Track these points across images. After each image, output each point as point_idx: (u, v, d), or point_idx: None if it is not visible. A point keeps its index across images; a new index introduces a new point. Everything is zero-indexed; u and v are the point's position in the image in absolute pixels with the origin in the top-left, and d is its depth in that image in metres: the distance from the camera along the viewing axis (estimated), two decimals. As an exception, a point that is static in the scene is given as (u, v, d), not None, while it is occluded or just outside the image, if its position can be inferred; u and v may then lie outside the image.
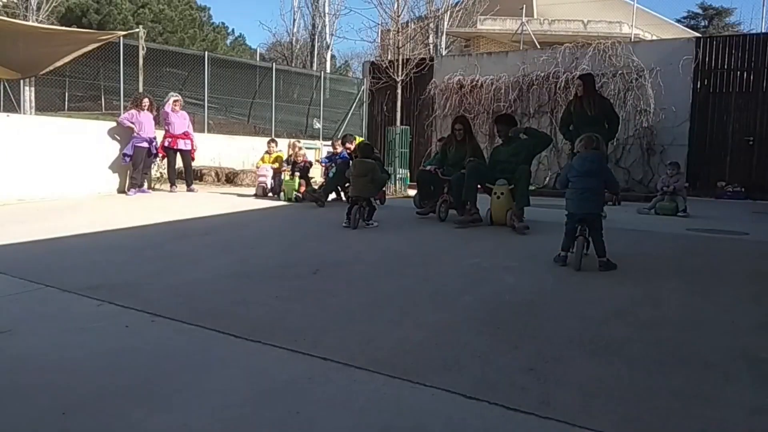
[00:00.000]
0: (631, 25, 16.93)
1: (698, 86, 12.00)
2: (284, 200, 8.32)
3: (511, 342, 3.01)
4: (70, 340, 3.01)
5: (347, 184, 7.78)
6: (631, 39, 15.00)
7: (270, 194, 8.85)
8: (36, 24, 11.34)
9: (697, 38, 13.14)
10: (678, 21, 32.24)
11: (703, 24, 37.97)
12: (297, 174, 8.34)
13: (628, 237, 5.53)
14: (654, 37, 18.21)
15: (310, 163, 8.65)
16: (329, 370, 2.66)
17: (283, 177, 8.69)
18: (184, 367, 2.70)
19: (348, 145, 8.33)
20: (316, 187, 8.36)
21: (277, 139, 10.33)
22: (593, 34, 17.09)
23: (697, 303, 3.76)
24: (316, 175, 9.12)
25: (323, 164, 9.02)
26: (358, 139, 8.28)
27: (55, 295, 3.76)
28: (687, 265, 4.70)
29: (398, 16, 13.82)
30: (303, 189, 8.25)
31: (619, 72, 12.50)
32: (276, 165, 9.02)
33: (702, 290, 4.02)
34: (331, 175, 8.16)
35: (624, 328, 3.22)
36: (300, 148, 8.65)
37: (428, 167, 6.87)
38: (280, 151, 9.30)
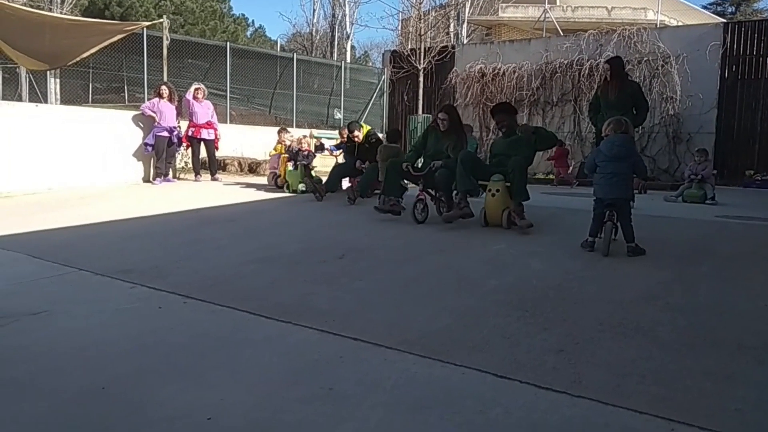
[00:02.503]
0: (657, 12, 16.62)
1: (726, 73, 11.76)
2: (290, 192, 8.00)
3: (540, 324, 3.01)
4: (106, 321, 3.09)
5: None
6: (656, 25, 14.74)
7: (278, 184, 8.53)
8: (62, 15, 11.50)
9: (725, 23, 12.88)
10: (704, 7, 31.63)
11: (729, 10, 37.18)
12: (303, 164, 7.94)
13: (656, 223, 5.46)
14: (680, 23, 17.88)
15: (314, 153, 8.20)
16: (359, 349, 2.69)
17: (280, 167, 8.40)
18: (217, 346, 2.75)
19: (357, 133, 7.61)
20: (322, 179, 7.86)
21: (288, 128, 10.16)
22: (617, 21, 16.82)
23: (728, 288, 3.71)
24: (321, 164, 8.84)
25: (333, 152, 8.83)
26: (365, 128, 7.77)
27: (88, 278, 3.85)
28: (717, 250, 4.64)
29: (420, 3, 13.74)
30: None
31: (645, 59, 12.30)
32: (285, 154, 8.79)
33: (733, 275, 3.97)
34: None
35: (654, 312, 3.20)
36: (304, 136, 8.43)
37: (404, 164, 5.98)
38: (292, 138, 9.13)
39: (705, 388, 2.32)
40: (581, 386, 2.31)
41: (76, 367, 2.49)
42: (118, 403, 2.17)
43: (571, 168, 12.70)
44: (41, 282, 3.77)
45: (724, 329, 2.97)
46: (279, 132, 9.17)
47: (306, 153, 8.10)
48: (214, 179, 9.43)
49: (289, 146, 8.44)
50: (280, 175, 8.49)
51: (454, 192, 5.63)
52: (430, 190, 5.81)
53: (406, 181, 6.11)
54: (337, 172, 7.63)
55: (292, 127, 13.11)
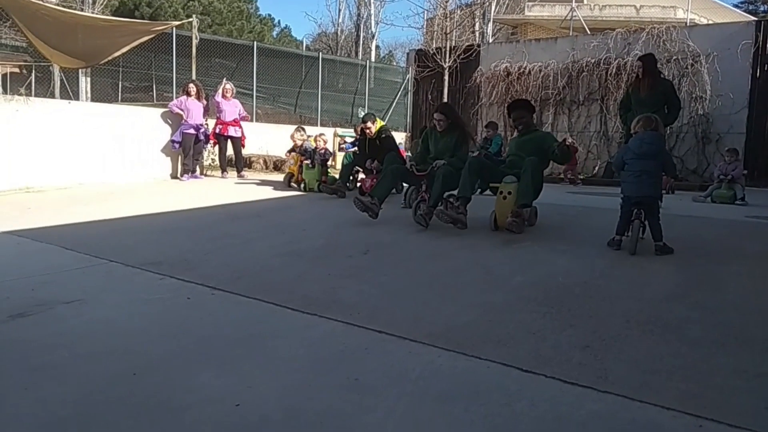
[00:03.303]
0: (687, 10, 16.32)
1: (758, 72, 11.50)
2: (305, 190, 7.90)
3: (566, 321, 3.00)
4: (137, 310, 3.16)
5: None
6: (686, 24, 14.49)
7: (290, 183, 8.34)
8: (94, 15, 11.75)
9: (757, 22, 12.57)
10: (736, 6, 30.95)
11: (762, 9, 36.34)
12: (321, 161, 7.90)
13: (684, 223, 5.38)
14: (710, 22, 17.53)
15: (330, 153, 8.13)
16: (384, 342, 2.71)
17: (292, 164, 8.26)
18: (245, 336, 2.80)
19: (369, 124, 7.33)
20: (336, 177, 7.77)
21: (305, 126, 10.06)
22: (646, 20, 16.56)
23: (759, 287, 3.64)
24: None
25: (347, 150, 8.66)
26: (379, 123, 7.50)
27: (119, 269, 3.93)
28: (748, 250, 4.55)
29: (446, 2, 13.71)
30: (324, 179, 7.85)
31: (674, 57, 12.09)
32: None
33: (764, 274, 3.89)
34: (346, 162, 7.60)
35: (682, 310, 3.16)
36: (321, 134, 8.34)
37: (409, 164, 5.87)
38: (309, 137, 8.87)
39: (735, 386, 2.29)
40: (607, 382, 2.30)
41: (109, 354, 2.55)
42: (149, 389, 2.23)
43: (597, 168, 12.61)
44: (74, 273, 3.86)
45: (755, 328, 2.92)
46: (295, 131, 8.91)
47: (323, 151, 8.03)
48: (240, 176, 9.54)
49: (301, 145, 8.34)
50: (293, 175, 8.29)
51: (455, 199, 5.23)
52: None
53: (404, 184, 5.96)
54: (348, 165, 7.55)
55: (317, 125, 13.21)
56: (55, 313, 3.07)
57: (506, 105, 6.03)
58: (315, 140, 8.33)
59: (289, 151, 8.72)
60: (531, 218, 5.15)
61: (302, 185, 8.11)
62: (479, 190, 5.72)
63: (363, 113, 14.90)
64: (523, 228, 4.86)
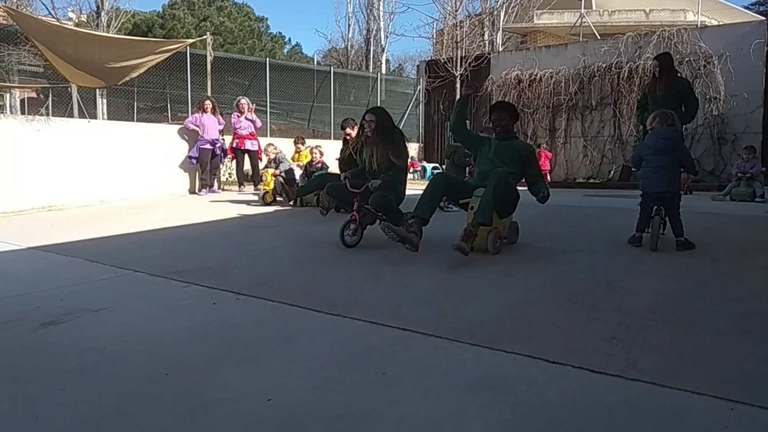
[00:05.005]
0: (697, 12, 16.26)
1: (772, 71, 11.43)
2: (302, 205, 7.47)
3: (590, 315, 3.00)
4: (164, 315, 3.21)
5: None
6: (697, 26, 14.46)
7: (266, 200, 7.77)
8: (115, 36, 12.01)
9: (770, 21, 12.54)
10: (746, 8, 30.75)
11: (773, 9, 36.09)
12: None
13: (704, 220, 5.34)
14: (720, 24, 17.46)
15: (328, 166, 7.77)
16: (409, 338, 2.73)
17: (267, 181, 7.84)
18: (272, 337, 2.83)
19: (348, 130, 6.96)
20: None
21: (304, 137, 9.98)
22: (656, 23, 16.54)
23: (784, 279, 3.61)
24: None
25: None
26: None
27: (144, 278, 4.00)
28: (770, 244, 4.52)
29: (456, 11, 13.82)
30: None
31: (686, 59, 12.07)
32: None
33: (788, 267, 3.86)
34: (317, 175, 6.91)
35: (707, 302, 3.15)
36: (317, 146, 8.07)
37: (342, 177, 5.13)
38: (307, 148, 8.72)
39: (764, 371, 2.28)
40: (635, 370, 2.30)
41: (140, 356, 2.60)
42: (182, 387, 2.26)
43: (612, 172, 12.58)
44: (100, 283, 3.93)
45: (782, 318, 2.90)
46: (296, 142, 8.77)
47: (319, 165, 7.81)
48: (257, 190, 9.62)
49: (274, 159, 8.00)
50: (267, 192, 7.75)
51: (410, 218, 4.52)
52: (368, 207, 4.86)
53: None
54: (313, 182, 6.66)
55: (330, 139, 13.30)
56: (85, 320, 3.13)
57: (489, 105, 5.65)
58: (311, 152, 8.17)
59: (266, 167, 8.28)
60: (511, 235, 4.68)
61: (298, 200, 7.55)
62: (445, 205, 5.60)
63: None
64: (499, 249, 4.40)
